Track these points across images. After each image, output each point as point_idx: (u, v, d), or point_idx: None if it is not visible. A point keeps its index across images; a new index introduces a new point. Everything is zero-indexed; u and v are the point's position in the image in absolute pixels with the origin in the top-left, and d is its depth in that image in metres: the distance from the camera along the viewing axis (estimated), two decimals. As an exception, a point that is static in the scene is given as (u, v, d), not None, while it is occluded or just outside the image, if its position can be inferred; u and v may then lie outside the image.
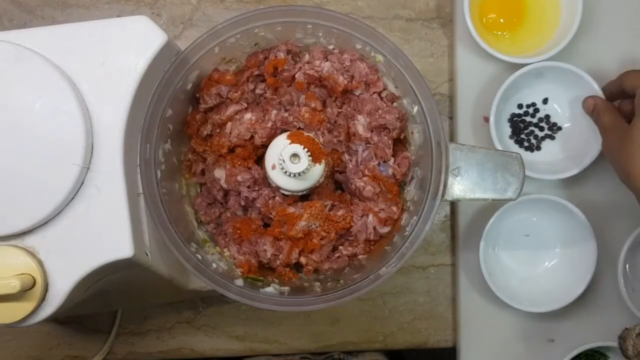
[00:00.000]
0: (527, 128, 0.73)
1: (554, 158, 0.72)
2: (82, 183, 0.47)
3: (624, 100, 0.67)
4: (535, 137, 0.73)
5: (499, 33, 0.73)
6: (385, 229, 0.56)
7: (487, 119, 0.72)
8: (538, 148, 0.73)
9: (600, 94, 0.68)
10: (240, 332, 0.75)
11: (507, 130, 0.73)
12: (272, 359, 0.75)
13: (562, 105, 0.72)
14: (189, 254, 0.52)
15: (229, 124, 0.57)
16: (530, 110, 0.72)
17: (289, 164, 0.52)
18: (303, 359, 0.75)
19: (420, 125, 0.55)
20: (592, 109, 0.67)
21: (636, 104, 0.60)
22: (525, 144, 0.72)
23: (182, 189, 0.59)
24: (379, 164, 0.57)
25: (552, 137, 0.72)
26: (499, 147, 0.69)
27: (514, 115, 0.72)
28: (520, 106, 0.73)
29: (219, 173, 0.57)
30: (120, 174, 0.48)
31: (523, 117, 0.72)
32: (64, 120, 0.47)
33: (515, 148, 0.73)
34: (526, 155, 0.72)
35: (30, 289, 0.46)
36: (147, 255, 0.51)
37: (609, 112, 0.65)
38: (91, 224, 0.47)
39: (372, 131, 0.57)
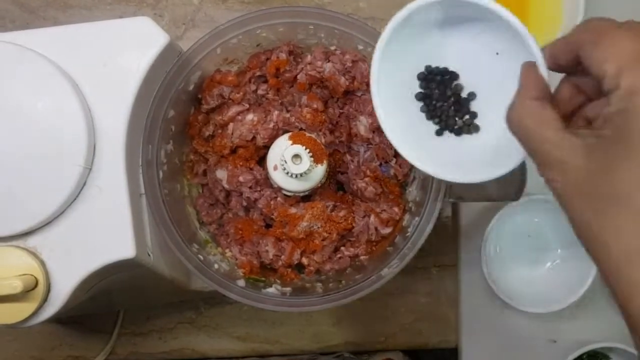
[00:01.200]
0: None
1: None
2: (84, 184, 0.48)
3: (578, 77, 0.36)
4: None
5: (501, 34, 0.73)
6: (387, 230, 0.56)
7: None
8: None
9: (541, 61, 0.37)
10: (242, 333, 0.75)
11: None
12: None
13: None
14: (191, 255, 0.52)
15: (231, 124, 0.57)
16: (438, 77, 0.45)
17: (290, 164, 0.52)
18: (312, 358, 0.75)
19: (422, 126, 0.55)
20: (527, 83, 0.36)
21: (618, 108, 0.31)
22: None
23: (184, 189, 0.59)
24: (380, 165, 0.57)
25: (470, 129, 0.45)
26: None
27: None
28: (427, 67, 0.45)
29: (221, 174, 0.57)
30: (122, 175, 0.48)
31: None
32: (66, 121, 0.47)
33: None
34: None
35: (33, 289, 0.46)
36: (149, 255, 0.51)
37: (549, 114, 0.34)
38: (93, 225, 0.47)
39: (373, 132, 0.57)
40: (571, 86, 0.37)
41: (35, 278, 0.46)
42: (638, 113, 0.29)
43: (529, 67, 0.36)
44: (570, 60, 0.35)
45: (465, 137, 0.45)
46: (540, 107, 0.34)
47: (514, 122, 0.35)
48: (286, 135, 0.54)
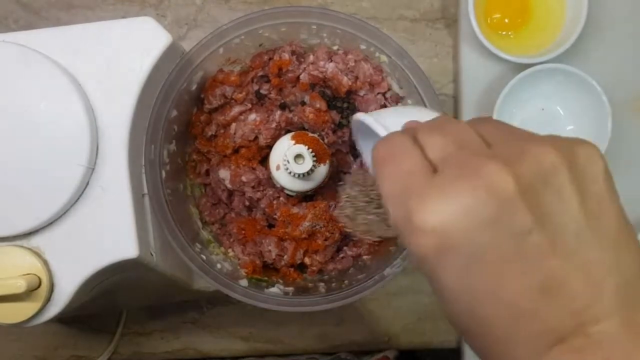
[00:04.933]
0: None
1: None
2: (87, 184, 0.48)
3: None
4: None
5: (504, 33, 0.72)
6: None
7: (491, 119, 0.72)
8: None
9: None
10: (245, 333, 0.75)
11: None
12: None
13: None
14: (194, 255, 0.52)
15: (234, 124, 0.57)
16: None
17: (293, 164, 0.52)
18: (310, 359, 0.75)
19: (424, 126, 0.55)
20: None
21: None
22: None
23: (186, 189, 0.59)
24: (383, 165, 0.57)
25: None
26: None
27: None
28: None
29: (224, 173, 0.57)
30: (125, 175, 0.48)
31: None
32: (69, 121, 0.47)
33: None
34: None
35: (36, 289, 0.46)
36: (152, 255, 0.51)
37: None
38: (96, 225, 0.48)
39: (376, 132, 0.57)
40: None
41: (39, 278, 0.46)
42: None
43: None
44: None
45: None
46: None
47: None
48: (289, 135, 0.54)
